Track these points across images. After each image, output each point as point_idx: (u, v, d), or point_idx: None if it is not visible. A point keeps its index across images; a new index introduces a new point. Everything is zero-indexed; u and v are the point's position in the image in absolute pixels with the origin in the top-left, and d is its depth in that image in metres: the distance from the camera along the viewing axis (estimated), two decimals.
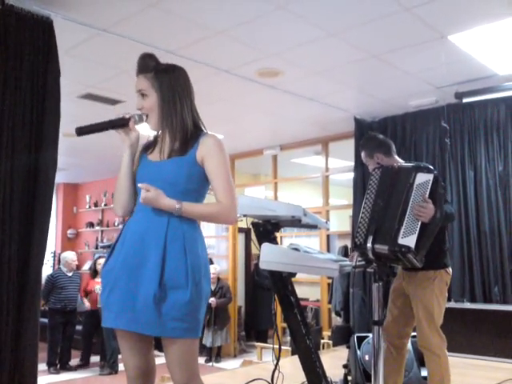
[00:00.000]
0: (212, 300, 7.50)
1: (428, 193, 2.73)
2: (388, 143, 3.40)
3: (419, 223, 2.67)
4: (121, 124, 2.12)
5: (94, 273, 7.47)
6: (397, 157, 3.38)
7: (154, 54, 2.14)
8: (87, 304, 7.31)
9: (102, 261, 7.44)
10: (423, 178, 2.76)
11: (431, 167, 2.86)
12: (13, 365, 3.07)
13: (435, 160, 5.69)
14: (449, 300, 5.02)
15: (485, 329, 4.90)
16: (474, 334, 4.93)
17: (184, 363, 1.99)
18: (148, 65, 2.09)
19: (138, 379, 2.06)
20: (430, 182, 2.75)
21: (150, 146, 2.18)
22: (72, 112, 5.68)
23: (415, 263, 2.68)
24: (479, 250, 5.37)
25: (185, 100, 2.10)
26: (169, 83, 2.08)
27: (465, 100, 5.05)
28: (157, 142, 2.16)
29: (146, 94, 2.07)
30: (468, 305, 5.12)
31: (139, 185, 2.00)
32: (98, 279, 7.29)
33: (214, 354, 7.69)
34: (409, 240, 2.62)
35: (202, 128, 2.14)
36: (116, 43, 4.08)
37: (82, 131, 2.09)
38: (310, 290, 8.16)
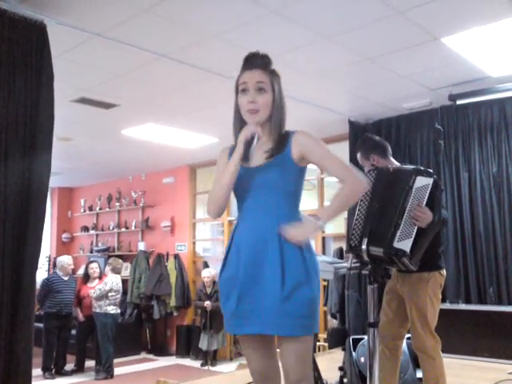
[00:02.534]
0: (207, 303, 7.49)
1: (427, 197, 2.72)
2: (384, 145, 3.40)
3: (415, 227, 2.66)
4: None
5: (86, 277, 7.45)
6: (392, 159, 3.38)
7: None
8: (80, 315, 7.29)
9: (94, 265, 7.44)
10: (423, 182, 2.74)
11: (431, 171, 2.85)
12: (7, 370, 3.05)
13: (429, 162, 5.70)
14: (444, 301, 5.06)
15: (480, 330, 4.91)
16: (469, 334, 4.94)
17: (303, 361, 2.03)
18: (267, 64, 2.16)
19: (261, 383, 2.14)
20: (430, 186, 2.74)
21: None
22: (66, 116, 5.69)
23: (410, 267, 2.68)
24: (474, 251, 5.39)
25: (285, 106, 2.17)
26: (280, 87, 2.16)
27: (458, 102, 5.07)
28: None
29: (264, 89, 2.09)
30: (463, 306, 5.13)
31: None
32: (91, 284, 7.28)
33: (210, 357, 7.67)
34: (404, 244, 2.62)
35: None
36: (110, 47, 4.08)
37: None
38: None
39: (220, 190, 2.11)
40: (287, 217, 2.05)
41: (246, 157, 2.07)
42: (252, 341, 2.09)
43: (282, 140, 2.10)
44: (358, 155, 3.40)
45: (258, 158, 2.10)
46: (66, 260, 7.39)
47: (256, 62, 2.14)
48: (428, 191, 2.72)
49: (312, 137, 2.12)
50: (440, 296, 3.18)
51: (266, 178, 2.07)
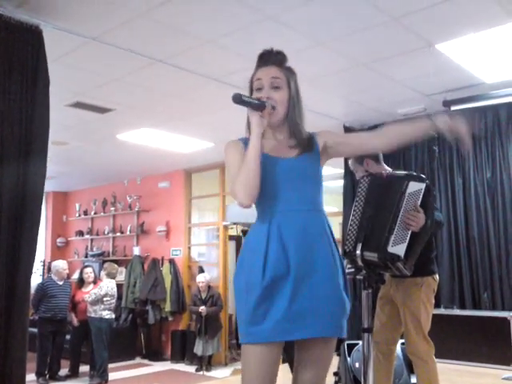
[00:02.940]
0: (202, 308, 7.48)
1: (419, 202, 2.74)
2: None
3: (409, 232, 2.68)
4: (259, 107, 1.99)
5: (81, 282, 7.41)
6: (385, 165, 3.41)
7: None
8: (75, 320, 7.25)
9: (88, 270, 7.39)
10: (415, 187, 2.76)
11: (423, 176, 2.87)
12: (1, 375, 3.04)
13: (424, 168, 5.73)
14: (438, 306, 5.07)
15: (474, 335, 4.92)
16: (463, 340, 4.95)
17: (330, 363, 2.00)
18: (283, 61, 2.11)
19: None
20: (422, 191, 2.75)
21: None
22: (61, 120, 5.68)
23: (404, 272, 2.69)
24: (468, 256, 5.41)
25: (302, 103, 2.13)
26: (296, 85, 2.11)
27: (453, 108, 5.10)
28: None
29: (279, 86, 2.04)
30: (457, 311, 5.15)
31: None
32: (85, 289, 7.25)
33: (205, 362, 7.66)
34: (398, 249, 2.63)
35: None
36: (105, 52, 4.08)
37: (239, 100, 1.96)
38: None
39: (244, 177, 1.90)
40: (322, 212, 2.01)
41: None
42: (270, 352, 1.87)
43: (309, 139, 2.08)
44: (351, 161, 3.44)
45: (285, 152, 2.02)
46: (60, 264, 7.35)
47: (271, 58, 2.09)
48: (421, 196, 2.74)
49: (331, 130, 2.18)
50: (433, 301, 3.20)
51: (305, 170, 2.00)
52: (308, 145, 2.04)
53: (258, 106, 1.98)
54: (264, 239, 1.91)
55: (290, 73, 2.09)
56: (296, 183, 1.96)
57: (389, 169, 3.38)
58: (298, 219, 1.92)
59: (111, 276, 7.17)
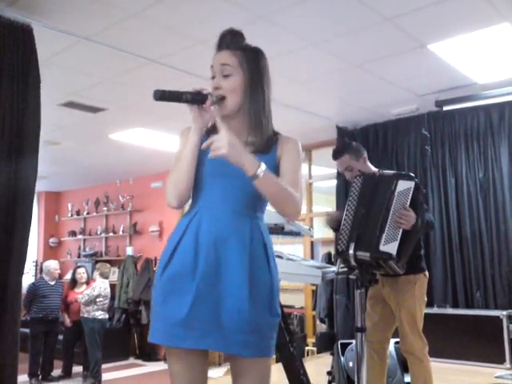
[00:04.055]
0: None
1: (409, 200, 2.76)
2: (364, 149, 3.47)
3: (400, 230, 2.69)
4: (198, 100, 1.77)
5: (73, 282, 7.38)
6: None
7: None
8: (67, 321, 7.22)
9: (81, 270, 7.36)
10: (404, 186, 2.79)
11: (412, 175, 2.90)
12: None
13: (416, 167, 5.74)
14: (432, 305, 5.09)
15: (467, 334, 4.93)
16: (456, 339, 4.97)
17: (266, 381, 1.76)
18: (238, 42, 1.87)
19: None
20: (412, 190, 2.78)
21: (210, 133, 1.81)
22: (53, 120, 5.66)
23: (397, 270, 2.71)
24: (461, 255, 5.43)
25: (269, 91, 1.83)
26: (258, 67, 1.83)
27: (445, 108, 5.12)
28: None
29: (229, 73, 1.80)
30: (450, 310, 5.17)
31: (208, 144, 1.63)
32: (78, 289, 7.22)
33: None
34: (390, 247, 2.64)
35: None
36: (98, 51, 4.07)
37: (160, 95, 1.75)
38: (294, 297, 8.16)
39: (173, 176, 1.77)
40: (256, 220, 1.77)
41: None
42: (193, 361, 1.71)
43: (270, 136, 1.81)
44: (347, 157, 3.35)
45: None
46: (52, 265, 7.32)
47: (225, 41, 1.86)
48: (410, 194, 2.77)
49: (299, 150, 1.87)
50: (425, 298, 3.23)
51: (241, 171, 1.68)
52: (264, 145, 1.78)
53: (195, 100, 1.75)
54: (180, 232, 1.77)
55: (245, 55, 1.81)
56: (237, 182, 1.72)
57: (375, 169, 3.39)
58: (222, 221, 1.71)
59: (104, 276, 7.14)
